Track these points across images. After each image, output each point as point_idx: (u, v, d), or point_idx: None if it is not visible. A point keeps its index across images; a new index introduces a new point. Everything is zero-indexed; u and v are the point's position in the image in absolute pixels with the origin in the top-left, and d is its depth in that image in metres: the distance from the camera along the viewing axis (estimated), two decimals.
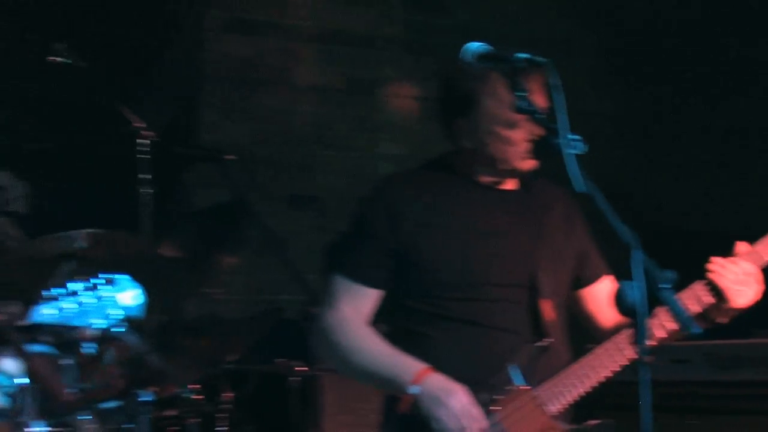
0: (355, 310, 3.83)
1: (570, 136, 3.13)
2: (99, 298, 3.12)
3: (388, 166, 7.31)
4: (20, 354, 2.32)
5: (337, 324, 3.82)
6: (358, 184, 7.12)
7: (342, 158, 7.47)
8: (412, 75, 7.64)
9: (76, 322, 2.89)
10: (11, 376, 2.97)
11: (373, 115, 7.61)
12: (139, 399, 4.84)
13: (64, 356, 3.84)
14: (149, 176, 5.61)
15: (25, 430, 4.29)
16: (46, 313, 2.96)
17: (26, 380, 3.03)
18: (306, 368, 5.63)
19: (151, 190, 5.61)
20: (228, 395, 5.46)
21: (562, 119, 3.16)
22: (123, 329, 2.92)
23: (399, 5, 7.64)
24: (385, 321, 3.92)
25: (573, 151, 3.11)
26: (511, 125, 3.74)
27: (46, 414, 3.97)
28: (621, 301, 2.87)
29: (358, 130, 7.56)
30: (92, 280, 3.16)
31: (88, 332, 2.72)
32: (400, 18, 7.64)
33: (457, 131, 3.84)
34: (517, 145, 3.76)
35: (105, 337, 2.72)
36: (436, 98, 3.95)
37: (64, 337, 2.59)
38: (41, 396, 4.04)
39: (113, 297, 3.16)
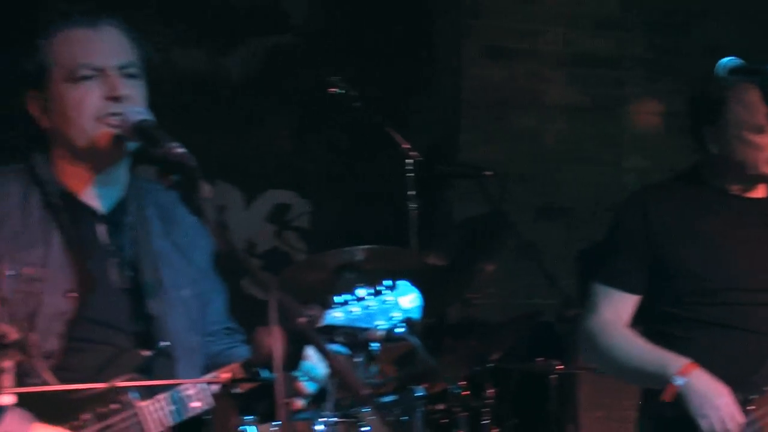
0: (615, 314, 3.86)
1: None
2: (383, 302, 3.21)
3: (633, 178, 7.22)
4: (322, 352, 2.42)
5: (600, 327, 3.86)
6: (604, 196, 7.07)
7: (588, 172, 7.42)
8: (656, 93, 7.53)
9: (362, 324, 2.98)
10: (317, 367, 3.08)
11: (619, 131, 7.54)
12: (414, 394, 4.96)
13: (355, 355, 3.97)
14: (414, 193, 5.73)
15: (319, 420, 4.47)
16: (336, 316, 3.07)
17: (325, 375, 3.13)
18: (563, 367, 5.63)
19: (416, 206, 5.73)
20: (491, 391, 5.50)
21: None
22: (404, 330, 2.99)
23: (641, 28, 7.55)
24: (641, 324, 3.92)
25: None
26: (759, 131, 3.70)
27: (338, 407, 4.11)
28: None
29: (604, 146, 7.50)
30: (377, 287, 3.25)
31: (376, 333, 2.79)
32: (642, 40, 7.54)
33: (704, 139, 3.82)
34: (765, 151, 3.71)
35: (389, 338, 2.79)
36: (685, 108, 3.93)
37: (356, 337, 2.68)
38: (340, 390, 4.18)
39: (395, 300, 3.25)
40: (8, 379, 2.54)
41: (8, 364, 2.55)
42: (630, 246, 3.84)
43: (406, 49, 7.05)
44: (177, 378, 3.02)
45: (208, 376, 3.02)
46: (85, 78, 3.04)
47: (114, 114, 3.01)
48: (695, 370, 3.59)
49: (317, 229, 6.89)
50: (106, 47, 3.09)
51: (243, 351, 3.27)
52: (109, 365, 3.00)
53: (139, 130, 2.92)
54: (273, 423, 4.52)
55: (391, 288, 3.27)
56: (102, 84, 3.03)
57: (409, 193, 5.70)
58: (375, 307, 3.22)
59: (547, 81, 7.42)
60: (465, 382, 5.34)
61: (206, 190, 2.66)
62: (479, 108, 7.29)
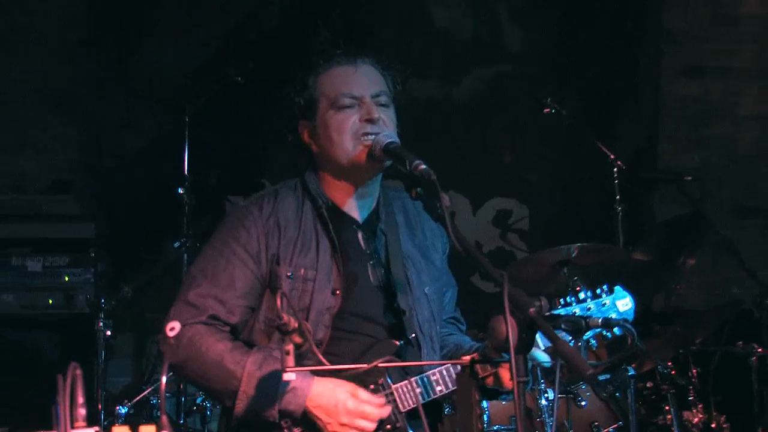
0: None
1: None
2: (600, 304, 3.22)
3: None
4: (551, 337, 2.43)
5: None
6: None
7: None
8: None
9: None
10: (538, 354, 3.12)
11: None
12: (626, 374, 4.91)
13: (577, 340, 3.97)
14: (619, 197, 5.69)
15: (544, 396, 4.49)
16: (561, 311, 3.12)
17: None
18: (762, 350, 5.48)
19: (621, 208, 5.69)
20: (695, 371, 5.40)
21: None
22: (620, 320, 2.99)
23: None
24: None
25: None
26: None
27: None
28: None
29: None
30: (596, 290, 3.26)
31: (596, 321, 2.79)
32: None
33: None
34: None
35: (606, 324, 2.78)
36: None
37: (577, 325, 2.68)
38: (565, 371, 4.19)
39: (612, 303, 3.25)
40: (290, 360, 2.67)
41: (290, 347, 2.68)
42: None
43: (610, 71, 7.00)
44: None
45: (452, 361, 3.10)
46: (346, 106, 3.20)
47: (369, 133, 3.15)
48: None
49: (535, 230, 6.90)
50: (363, 80, 3.25)
51: (466, 339, 3.34)
52: (367, 352, 3.14)
53: (388, 151, 3.02)
54: (503, 397, 4.58)
55: (608, 292, 3.27)
56: (359, 110, 3.19)
57: (615, 197, 5.69)
58: (593, 309, 3.23)
59: (740, 93, 7.24)
60: (671, 363, 5.27)
61: (446, 199, 2.72)
62: (677, 120, 7.18)
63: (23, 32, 6.34)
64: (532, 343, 2.45)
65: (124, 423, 2.27)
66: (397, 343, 3.18)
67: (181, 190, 5.60)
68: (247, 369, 3.03)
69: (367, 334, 3.17)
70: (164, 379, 2.54)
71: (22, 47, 6.34)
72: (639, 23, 7.11)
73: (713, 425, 5.32)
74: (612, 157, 5.71)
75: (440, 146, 6.39)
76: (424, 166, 2.82)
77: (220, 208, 6.13)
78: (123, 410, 4.84)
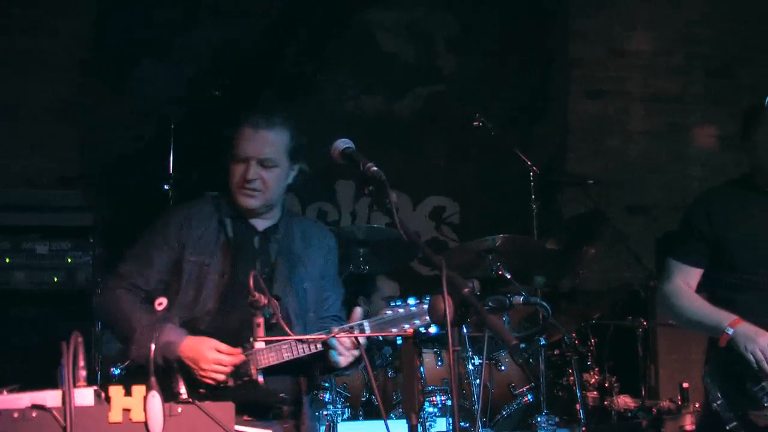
0: (685, 282, 3.81)
1: None
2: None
3: (696, 185, 7.03)
4: (480, 312, 2.41)
5: (674, 292, 3.81)
6: (675, 197, 6.94)
7: (662, 179, 7.26)
8: (713, 120, 7.34)
9: None
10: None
11: (685, 148, 7.37)
12: (539, 343, 4.92)
13: (502, 314, 3.96)
14: (534, 196, 5.70)
15: (471, 362, 4.48)
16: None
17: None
18: (646, 323, 5.52)
19: (536, 206, 5.69)
20: (594, 340, 5.43)
21: None
22: (537, 299, 2.97)
23: (702, 72, 7.36)
24: (704, 291, 3.84)
25: None
26: None
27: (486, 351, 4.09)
28: None
29: (673, 160, 7.32)
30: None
31: (517, 300, 2.77)
32: (702, 82, 7.37)
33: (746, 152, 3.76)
34: None
35: (525, 302, 2.77)
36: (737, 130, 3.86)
37: (502, 303, 2.65)
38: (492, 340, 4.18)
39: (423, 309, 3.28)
40: (260, 331, 2.63)
41: (260, 320, 2.64)
42: (697, 232, 3.78)
43: (528, 91, 7.00)
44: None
45: (395, 331, 3.10)
46: (240, 161, 3.47)
47: (246, 188, 3.43)
48: (741, 323, 3.54)
49: (465, 223, 6.89)
50: (256, 145, 3.47)
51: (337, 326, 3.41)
52: (245, 323, 3.24)
53: (344, 154, 2.97)
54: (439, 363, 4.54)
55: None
56: (246, 167, 3.44)
57: (531, 196, 5.69)
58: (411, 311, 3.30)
59: (630, 113, 7.30)
60: (574, 335, 5.28)
61: (393, 196, 2.69)
62: (581, 133, 7.19)
63: (35, 54, 6.26)
64: (465, 318, 2.42)
65: (117, 383, 2.25)
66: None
67: (166, 186, 5.57)
68: (142, 324, 3.28)
69: (246, 309, 3.24)
70: (153, 346, 2.48)
71: (34, 67, 6.25)
72: (550, 53, 7.12)
73: (606, 384, 5.36)
74: (528, 163, 5.72)
75: (386, 152, 6.35)
76: (375, 168, 2.78)
77: None
78: (116, 371, 4.77)
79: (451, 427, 4.55)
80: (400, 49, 6.85)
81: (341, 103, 6.70)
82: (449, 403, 4.59)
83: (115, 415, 2.29)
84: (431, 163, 6.85)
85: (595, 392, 5.34)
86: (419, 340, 2.59)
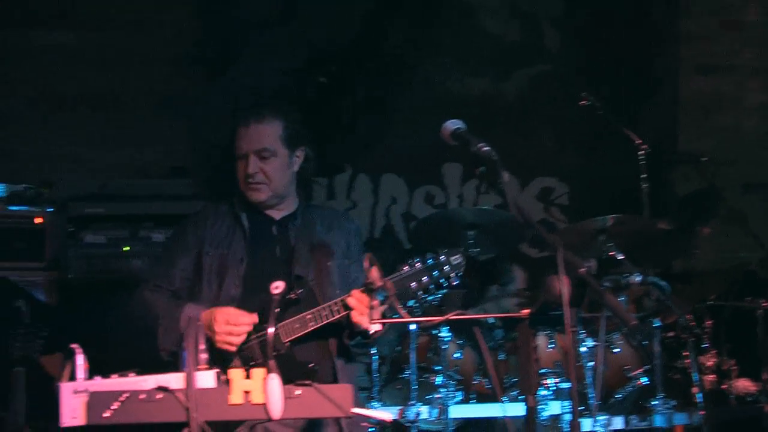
0: None
1: None
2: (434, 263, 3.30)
3: None
4: (599, 292, 2.36)
5: None
6: None
7: None
8: None
9: None
10: None
11: None
12: (653, 324, 4.80)
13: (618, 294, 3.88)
14: (645, 176, 5.58)
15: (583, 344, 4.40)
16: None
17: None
18: (766, 304, 5.32)
19: (646, 185, 5.57)
20: (710, 322, 5.28)
21: None
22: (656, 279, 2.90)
23: None
24: None
25: None
26: None
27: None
28: None
29: None
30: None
31: (634, 279, 2.71)
32: None
33: None
34: None
35: (643, 282, 2.70)
36: None
37: (618, 283, 2.60)
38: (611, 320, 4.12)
39: (446, 259, 3.27)
40: (376, 313, 2.65)
41: (375, 303, 2.66)
42: None
43: (634, 68, 6.87)
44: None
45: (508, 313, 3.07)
46: (240, 158, 3.62)
47: (251, 182, 3.60)
48: None
49: (573, 204, 6.82)
50: (250, 139, 3.62)
51: None
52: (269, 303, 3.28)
53: (456, 135, 2.95)
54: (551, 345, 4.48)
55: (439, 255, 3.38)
56: (246, 163, 3.60)
57: (641, 176, 5.57)
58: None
59: (744, 88, 7.06)
60: (690, 316, 5.14)
61: (506, 176, 2.66)
62: (693, 110, 7.02)
63: (142, 51, 6.43)
64: (582, 297, 2.38)
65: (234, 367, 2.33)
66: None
67: None
68: (167, 310, 3.50)
69: (268, 293, 3.29)
70: (271, 330, 2.51)
71: (140, 60, 6.42)
72: (658, 27, 6.94)
73: (724, 368, 5.20)
74: (638, 141, 5.59)
75: (492, 133, 6.29)
76: (487, 148, 2.76)
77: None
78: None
79: (564, 411, 4.49)
80: (503, 30, 6.80)
81: (446, 85, 6.71)
82: (562, 386, 4.53)
83: (236, 397, 2.35)
84: (538, 143, 6.80)
85: (713, 375, 5.19)
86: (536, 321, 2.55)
